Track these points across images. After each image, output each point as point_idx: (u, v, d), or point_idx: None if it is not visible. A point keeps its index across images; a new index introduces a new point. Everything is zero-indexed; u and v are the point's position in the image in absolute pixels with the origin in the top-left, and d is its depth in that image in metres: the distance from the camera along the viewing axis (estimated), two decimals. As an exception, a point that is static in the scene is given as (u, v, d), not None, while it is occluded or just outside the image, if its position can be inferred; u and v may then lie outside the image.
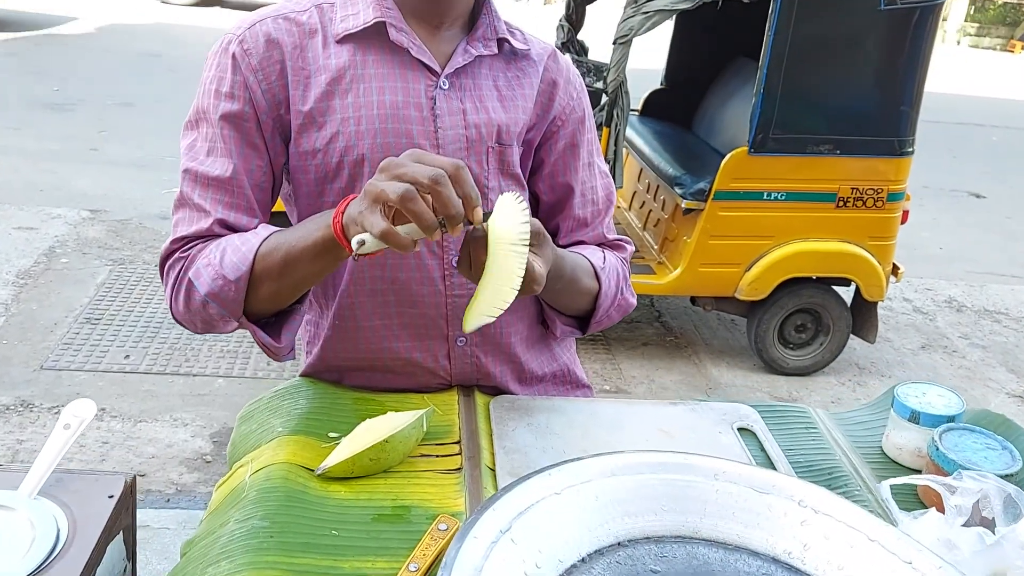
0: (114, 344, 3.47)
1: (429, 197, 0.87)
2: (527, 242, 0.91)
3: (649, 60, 5.71)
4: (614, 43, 3.37)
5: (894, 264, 3.74)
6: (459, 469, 1.05)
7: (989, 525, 0.91)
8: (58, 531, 0.90)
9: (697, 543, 0.89)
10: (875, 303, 3.73)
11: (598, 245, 1.29)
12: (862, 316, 3.79)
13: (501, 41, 1.18)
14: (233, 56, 1.10)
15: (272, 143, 1.13)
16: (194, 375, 3.33)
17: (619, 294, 1.25)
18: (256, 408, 1.17)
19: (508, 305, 0.91)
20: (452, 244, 1.16)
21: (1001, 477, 0.94)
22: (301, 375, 1.24)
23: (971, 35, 20.39)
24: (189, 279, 1.06)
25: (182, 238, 1.10)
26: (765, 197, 3.53)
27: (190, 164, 1.11)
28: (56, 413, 3.00)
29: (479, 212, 0.90)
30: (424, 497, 0.99)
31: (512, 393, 1.25)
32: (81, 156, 5.77)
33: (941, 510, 0.93)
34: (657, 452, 0.95)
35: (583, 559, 0.85)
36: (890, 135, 3.50)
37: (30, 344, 3.41)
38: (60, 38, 9.72)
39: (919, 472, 1.10)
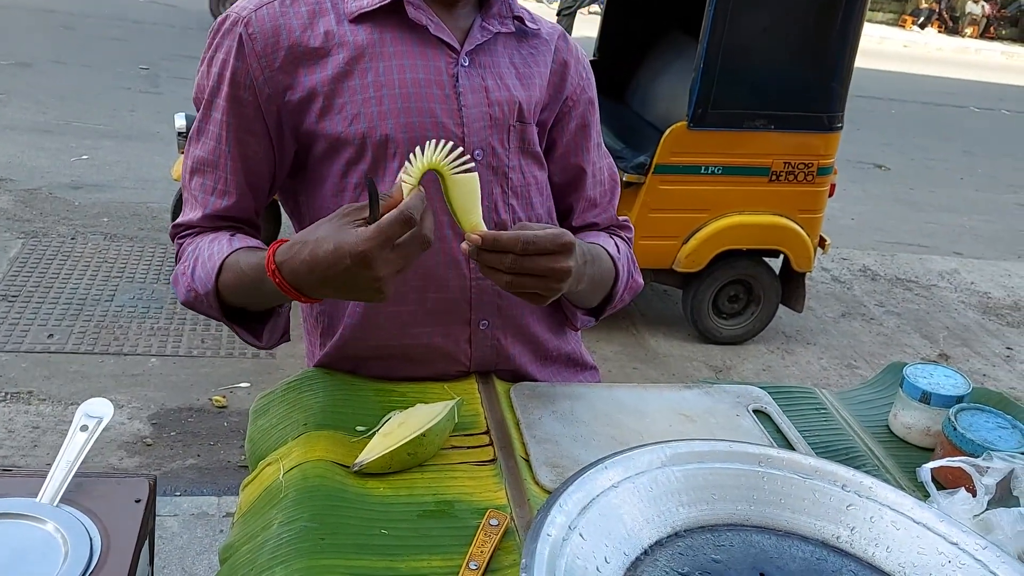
0: (35, 323, 3.29)
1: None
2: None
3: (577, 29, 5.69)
4: (558, 15, 3.35)
5: (821, 236, 3.88)
6: (493, 460, 1.04)
7: (1013, 503, 0.96)
8: (91, 542, 0.85)
9: (750, 530, 0.91)
10: (803, 274, 3.87)
11: (607, 228, 1.29)
12: (790, 286, 3.93)
13: (515, 19, 1.17)
14: (239, 39, 1.07)
15: (276, 130, 1.11)
16: (125, 354, 3.19)
17: (630, 278, 1.26)
18: (270, 401, 1.13)
19: None
20: None
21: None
22: (315, 366, 1.20)
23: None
24: (171, 282, 1.15)
25: (178, 224, 1.15)
26: (703, 171, 3.60)
27: (188, 148, 1.13)
28: (-21, 397, 2.83)
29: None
30: (464, 491, 0.98)
31: (529, 374, 1.24)
32: (-22, 120, 5.40)
33: (969, 490, 0.97)
34: (702, 441, 0.96)
35: (646, 551, 0.86)
36: (821, 110, 3.61)
37: (-58, 324, 3.20)
38: (-60, -10, 9.04)
39: (929, 450, 1.15)
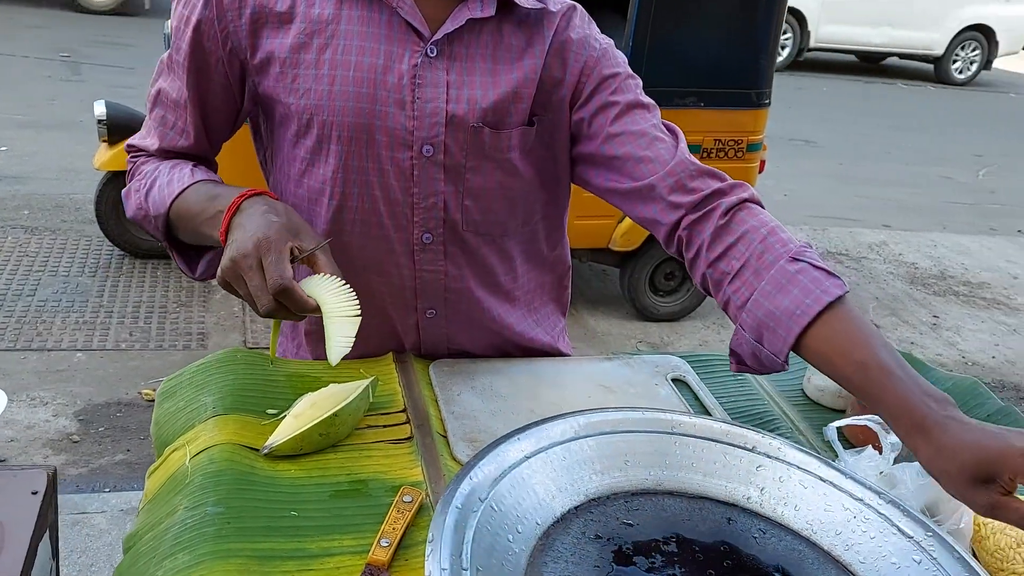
0: (-49, 320, 3.17)
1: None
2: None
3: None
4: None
5: (753, 211, 3.93)
6: (410, 438, 1.03)
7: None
8: (-17, 536, 0.82)
9: (662, 495, 0.91)
10: (736, 249, 3.92)
11: (690, 180, 1.05)
12: (724, 262, 3.98)
13: (503, 3, 1.06)
14: None
15: (237, 82, 1.10)
16: (49, 350, 3.10)
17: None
18: (178, 384, 1.10)
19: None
20: (421, 220, 1.10)
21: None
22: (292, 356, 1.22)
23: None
24: (122, 195, 1.16)
25: (133, 145, 1.16)
26: (635, 149, 3.61)
27: (156, 77, 1.13)
28: None
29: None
30: (379, 469, 0.97)
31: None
32: None
33: (876, 447, 0.99)
34: (615, 410, 0.96)
35: (559, 519, 0.86)
36: (749, 87, 3.66)
37: None
38: None
39: (842, 412, 1.17)
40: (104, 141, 3.57)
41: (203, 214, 1.02)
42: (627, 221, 3.68)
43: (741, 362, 1.00)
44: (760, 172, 3.89)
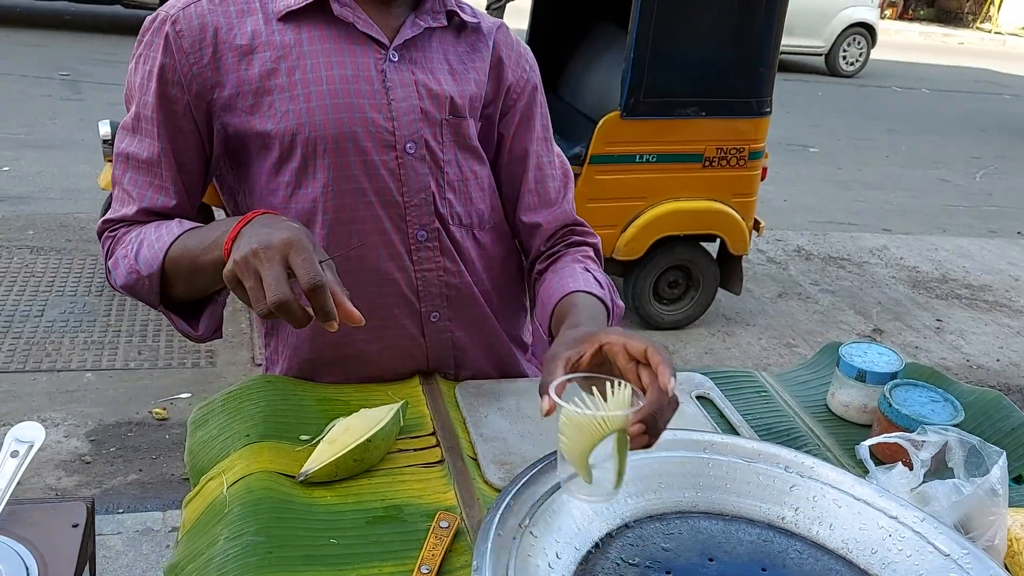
0: (-40, 342, 3.17)
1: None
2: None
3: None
4: (487, 9, 3.34)
5: (755, 219, 3.95)
6: (441, 461, 1.03)
7: (948, 474, 0.99)
8: (27, 571, 0.83)
9: (697, 517, 0.92)
10: (740, 257, 3.94)
11: (565, 231, 1.26)
12: (728, 270, 3.99)
13: (450, 14, 1.17)
14: (166, 37, 1.07)
15: (204, 127, 1.11)
16: (59, 371, 3.09)
17: (614, 306, 1.18)
18: (210, 412, 1.10)
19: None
20: (415, 217, 1.15)
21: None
22: (279, 373, 1.21)
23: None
24: (109, 267, 1.10)
25: (109, 220, 1.12)
26: (637, 160, 3.63)
27: (120, 144, 1.12)
28: (-98, 424, 2.72)
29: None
30: (413, 494, 0.97)
31: (483, 370, 1.25)
32: None
33: (906, 464, 1.00)
34: (647, 431, 0.97)
35: (596, 544, 0.86)
36: (750, 96, 3.67)
37: None
38: None
39: (867, 427, 1.17)
40: (109, 161, 3.58)
41: (204, 244, 0.98)
42: (630, 231, 3.69)
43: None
44: (762, 179, 3.90)
